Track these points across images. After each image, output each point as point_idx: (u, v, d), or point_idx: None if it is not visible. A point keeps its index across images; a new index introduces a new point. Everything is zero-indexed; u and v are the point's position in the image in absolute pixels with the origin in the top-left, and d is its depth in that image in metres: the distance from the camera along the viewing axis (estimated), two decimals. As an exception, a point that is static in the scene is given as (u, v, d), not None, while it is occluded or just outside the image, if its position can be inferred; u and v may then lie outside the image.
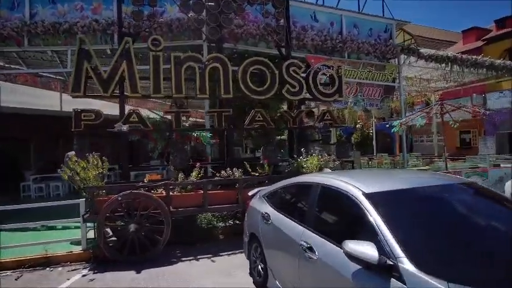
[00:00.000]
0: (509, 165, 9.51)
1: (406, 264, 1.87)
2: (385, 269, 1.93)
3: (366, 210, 2.29)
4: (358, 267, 2.05)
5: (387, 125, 12.47)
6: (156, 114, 11.69)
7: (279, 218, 3.44)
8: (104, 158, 5.78)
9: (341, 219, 2.90)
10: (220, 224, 6.64)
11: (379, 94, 11.59)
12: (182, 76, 6.53)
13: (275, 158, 6.78)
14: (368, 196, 2.40)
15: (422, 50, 11.70)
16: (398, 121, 9.71)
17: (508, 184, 7.13)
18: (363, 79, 11.03)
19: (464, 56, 12.62)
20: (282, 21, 7.92)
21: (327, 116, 7.59)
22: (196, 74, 6.60)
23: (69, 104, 8.61)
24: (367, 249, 1.97)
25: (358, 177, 3.01)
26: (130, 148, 7.58)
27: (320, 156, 6.55)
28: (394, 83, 11.62)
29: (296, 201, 3.75)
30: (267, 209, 3.80)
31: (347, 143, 8.45)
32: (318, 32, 10.11)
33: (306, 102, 10.16)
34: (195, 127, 9.74)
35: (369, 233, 2.16)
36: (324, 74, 7.67)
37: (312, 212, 3.05)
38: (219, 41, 7.85)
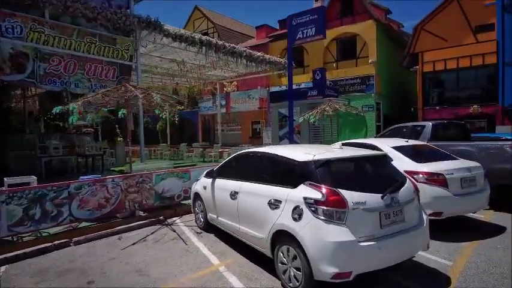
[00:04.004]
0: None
1: None
2: None
3: None
4: None
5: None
6: None
7: None
8: None
9: None
10: None
11: (113, 74, 9.37)
12: None
13: None
14: None
15: (168, 27, 10.14)
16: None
17: (193, 186, 6.14)
18: (83, 52, 8.54)
19: (220, 43, 11.94)
20: None
21: None
22: None
23: None
24: None
25: None
26: None
27: None
28: (132, 61, 9.65)
29: None
30: None
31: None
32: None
33: None
34: None
35: None
36: None
37: None
38: None
